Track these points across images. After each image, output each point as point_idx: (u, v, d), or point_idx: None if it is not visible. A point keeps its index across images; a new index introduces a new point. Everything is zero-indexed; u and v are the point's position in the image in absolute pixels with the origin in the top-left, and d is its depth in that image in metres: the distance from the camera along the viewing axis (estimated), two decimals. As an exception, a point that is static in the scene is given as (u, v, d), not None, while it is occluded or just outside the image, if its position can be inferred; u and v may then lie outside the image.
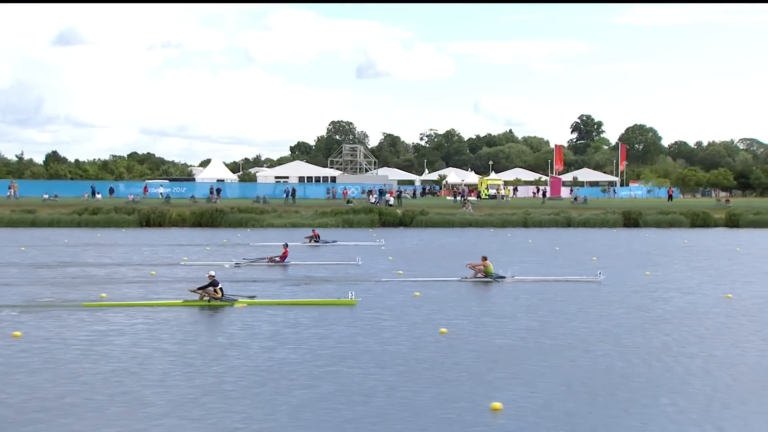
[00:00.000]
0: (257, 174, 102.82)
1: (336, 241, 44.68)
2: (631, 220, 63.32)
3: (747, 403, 13.10)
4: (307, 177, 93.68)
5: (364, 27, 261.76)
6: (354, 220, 61.49)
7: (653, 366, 15.54)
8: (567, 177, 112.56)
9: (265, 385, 13.81)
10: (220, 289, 22.19)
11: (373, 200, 68.79)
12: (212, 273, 22.81)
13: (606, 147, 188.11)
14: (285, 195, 72.03)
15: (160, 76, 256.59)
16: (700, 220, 63.24)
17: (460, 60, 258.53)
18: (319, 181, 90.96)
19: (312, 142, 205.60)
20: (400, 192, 68.79)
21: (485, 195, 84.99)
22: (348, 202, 69.96)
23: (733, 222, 63.14)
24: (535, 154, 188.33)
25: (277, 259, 33.19)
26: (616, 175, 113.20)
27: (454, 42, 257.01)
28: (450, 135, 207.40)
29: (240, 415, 11.98)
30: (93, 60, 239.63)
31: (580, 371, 15.07)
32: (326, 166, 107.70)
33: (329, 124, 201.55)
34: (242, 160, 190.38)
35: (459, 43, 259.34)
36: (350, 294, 22.81)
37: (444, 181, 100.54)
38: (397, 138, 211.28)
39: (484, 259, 28.07)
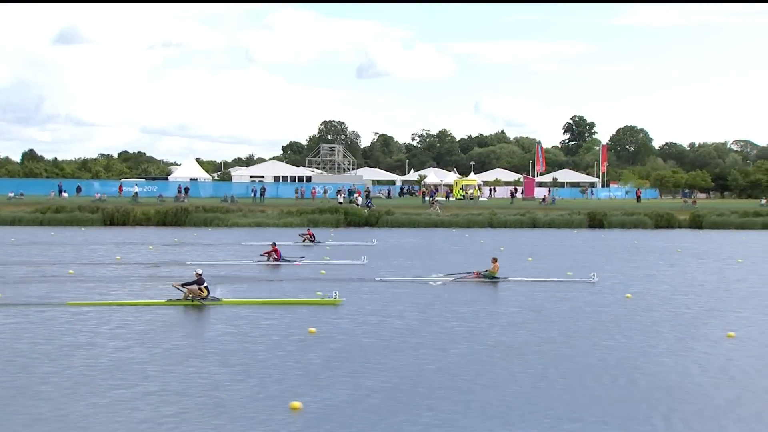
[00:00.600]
0: (233, 173, 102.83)
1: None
2: (595, 221, 63.44)
3: (562, 401, 13.12)
4: (283, 177, 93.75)
5: (365, 27, 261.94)
6: (319, 219, 61.41)
7: (498, 365, 15.58)
8: (547, 178, 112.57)
9: (87, 384, 13.82)
10: (206, 287, 22.05)
11: (360, 201, 68.22)
12: (199, 271, 22.52)
13: (597, 148, 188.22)
14: (253, 194, 72.10)
15: (160, 76, 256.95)
16: (664, 221, 63.32)
17: (461, 60, 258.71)
18: (295, 180, 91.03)
19: (304, 142, 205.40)
20: (369, 192, 68.73)
21: (459, 195, 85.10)
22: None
23: (696, 223, 63.41)
24: (526, 155, 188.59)
25: (275, 257, 33.33)
26: (598, 176, 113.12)
27: (454, 42, 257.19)
28: (443, 135, 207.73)
29: (26, 417, 11.94)
30: (94, 59, 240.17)
31: (419, 369, 15.09)
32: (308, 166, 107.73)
33: (321, 124, 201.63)
34: (234, 159, 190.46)
35: (459, 43, 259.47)
36: (334, 293, 22.74)
37: (423, 182, 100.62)
38: (390, 138, 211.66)
39: (495, 261, 28.16)
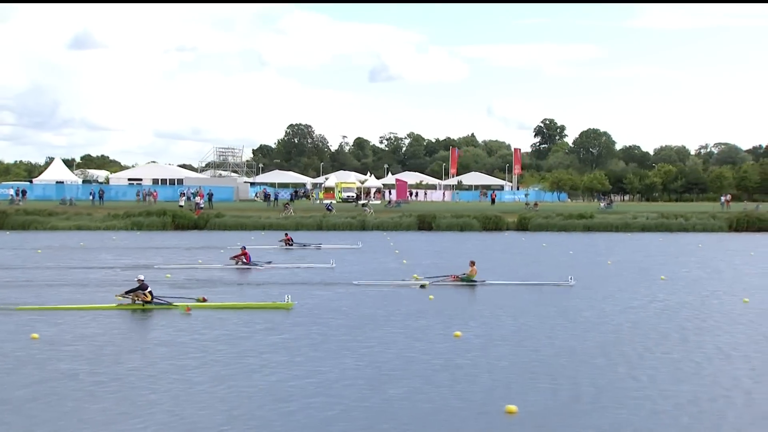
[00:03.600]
0: (110, 176, 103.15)
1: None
2: (425, 223, 63.37)
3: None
4: (162, 179, 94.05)
5: (378, 30, 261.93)
6: (144, 222, 61.66)
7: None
8: (452, 181, 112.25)
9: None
10: (150, 292, 22.09)
11: (201, 203, 67.70)
12: (141, 277, 22.48)
13: (564, 151, 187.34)
14: (92, 197, 72.24)
15: (174, 80, 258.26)
16: (491, 224, 63.18)
17: (473, 63, 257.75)
18: (174, 183, 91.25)
19: (273, 145, 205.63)
20: (211, 194, 68.84)
21: (339, 199, 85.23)
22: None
23: (523, 225, 63.13)
24: (491, 158, 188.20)
25: (243, 261, 33.30)
26: (509, 180, 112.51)
27: (466, 45, 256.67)
28: (412, 137, 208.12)
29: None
30: (108, 63, 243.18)
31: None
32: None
33: (287, 128, 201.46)
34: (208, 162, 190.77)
35: (472, 46, 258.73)
36: (286, 297, 22.59)
37: (321, 185, 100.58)
38: (367, 141, 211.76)
39: (472, 264, 28.13)
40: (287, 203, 70.87)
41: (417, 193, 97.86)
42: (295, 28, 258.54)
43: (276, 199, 73.51)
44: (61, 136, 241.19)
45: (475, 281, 27.74)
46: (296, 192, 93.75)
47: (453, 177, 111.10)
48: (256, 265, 33.12)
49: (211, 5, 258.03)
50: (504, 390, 13.80)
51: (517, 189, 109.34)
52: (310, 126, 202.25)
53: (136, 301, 21.94)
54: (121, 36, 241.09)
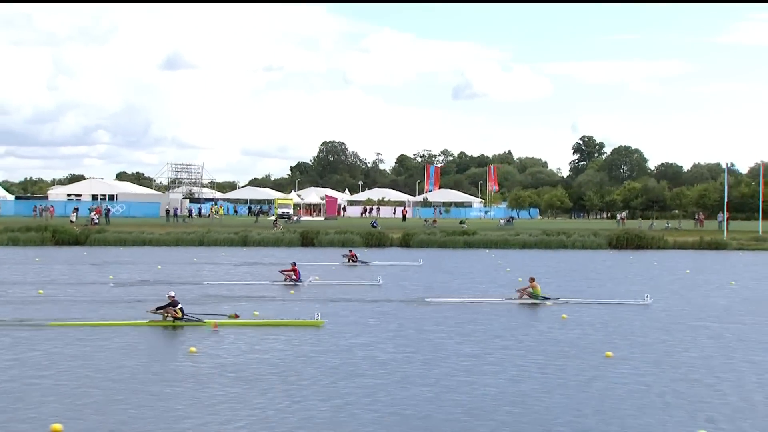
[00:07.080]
0: (51, 192, 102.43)
1: None
2: (308, 239, 60.50)
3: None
4: (101, 195, 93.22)
5: (462, 48, 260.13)
6: (21, 238, 60.11)
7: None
8: (420, 198, 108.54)
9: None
10: (180, 309, 21.92)
11: (96, 218, 66.49)
12: (172, 293, 22.37)
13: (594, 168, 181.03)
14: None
15: (262, 99, 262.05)
16: (374, 240, 60.25)
17: (557, 81, 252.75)
18: (113, 199, 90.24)
19: (310, 162, 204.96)
20: (108, 210, 67.24)
21: (276, 215, 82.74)
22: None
23: (406, 242, 60.18)
24: (521, 175, 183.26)
25: (293, 277, 32.57)
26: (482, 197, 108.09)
27: (551, 63, 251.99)
28: (461, 156, 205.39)
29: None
30: (198, 83, 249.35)
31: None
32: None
33: (321, 145, 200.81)
34: (251, 180, 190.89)
35: (556, 63, 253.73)
36: (316, 315, 21.96)
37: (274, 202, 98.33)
38: (409, 159, 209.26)
39: (532, 280, 27.49)
40: (276, 220, 69.24)
41: (372, 209, 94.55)
42: (380, 47, 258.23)
43: (176, 215, 70.81)
44: (152, 154, 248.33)
45: (545, 297, 26.89)
46: (250, 208, 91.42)
47: (426, 193, 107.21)
48: (300, 281, 32.22)
49: (297, 25, 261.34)
50: None
51: (485, 206, 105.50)
52: (343, 143, 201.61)
53: (167, 317, 21.62)
54: (210, 56, 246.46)
